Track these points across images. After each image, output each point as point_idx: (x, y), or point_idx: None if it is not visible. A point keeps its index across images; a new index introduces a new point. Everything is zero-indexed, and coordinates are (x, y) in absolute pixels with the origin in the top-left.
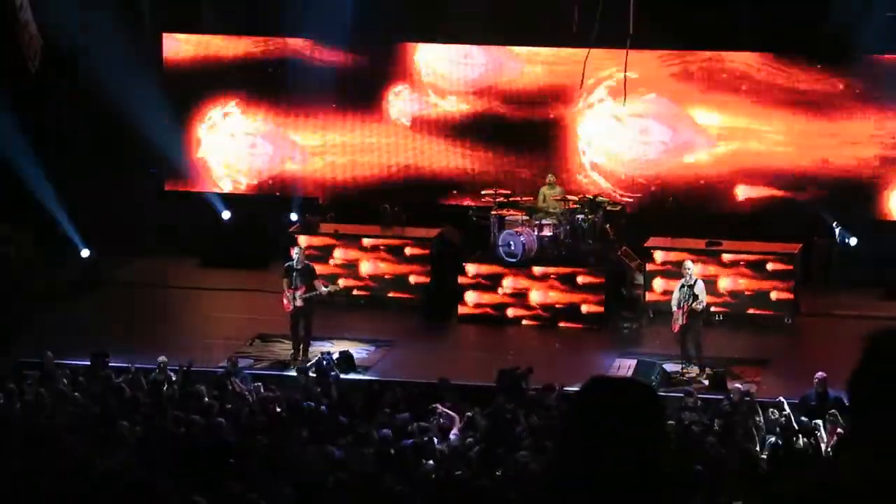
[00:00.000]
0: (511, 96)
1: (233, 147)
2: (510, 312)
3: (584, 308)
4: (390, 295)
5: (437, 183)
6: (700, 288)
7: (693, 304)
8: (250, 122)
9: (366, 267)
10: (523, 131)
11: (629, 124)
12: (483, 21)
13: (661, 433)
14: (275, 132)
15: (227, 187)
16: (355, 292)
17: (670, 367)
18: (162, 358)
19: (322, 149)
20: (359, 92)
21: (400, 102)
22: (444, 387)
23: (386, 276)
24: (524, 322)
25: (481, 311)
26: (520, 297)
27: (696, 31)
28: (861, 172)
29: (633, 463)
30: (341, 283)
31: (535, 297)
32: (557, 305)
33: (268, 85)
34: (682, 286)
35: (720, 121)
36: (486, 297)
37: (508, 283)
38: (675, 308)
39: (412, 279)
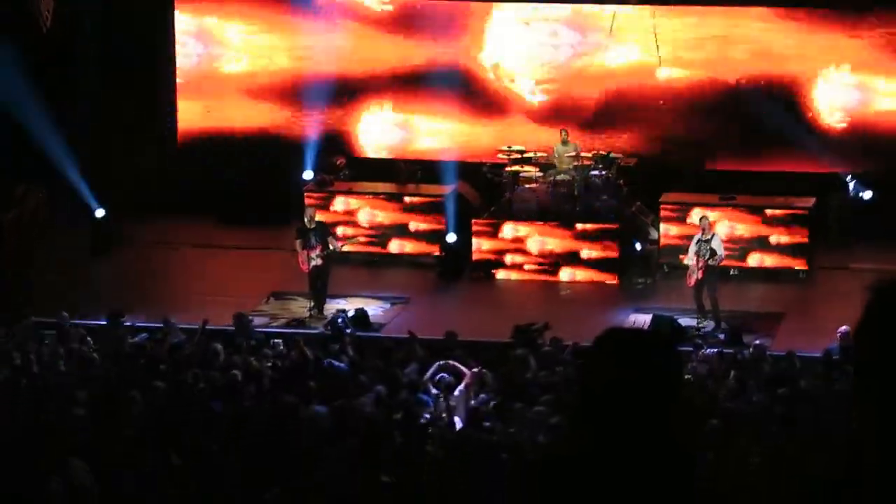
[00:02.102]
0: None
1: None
2: (518, 260)
3: (598, 254)
4: (400, 250)
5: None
6: (717, 242)
7: (710, 259)
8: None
9: (367, 216)
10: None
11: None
12: None
13: (680, 387)
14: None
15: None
16: (361, 239)
17: (685, 321)
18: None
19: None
20: None
21: None
22: (451, 342)
23: (386, 224)
24: (526, 267)
25: (492, 257)
26: (529, 246)
27: None
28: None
29: (650, 418)
30: (340, 231)
31: (549, 246)
32: (569, 254)
33: None
34: (699, 240)
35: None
36: (495, 245)
37: (518, 233)
38: (690, 262)
39: (412, 226)
